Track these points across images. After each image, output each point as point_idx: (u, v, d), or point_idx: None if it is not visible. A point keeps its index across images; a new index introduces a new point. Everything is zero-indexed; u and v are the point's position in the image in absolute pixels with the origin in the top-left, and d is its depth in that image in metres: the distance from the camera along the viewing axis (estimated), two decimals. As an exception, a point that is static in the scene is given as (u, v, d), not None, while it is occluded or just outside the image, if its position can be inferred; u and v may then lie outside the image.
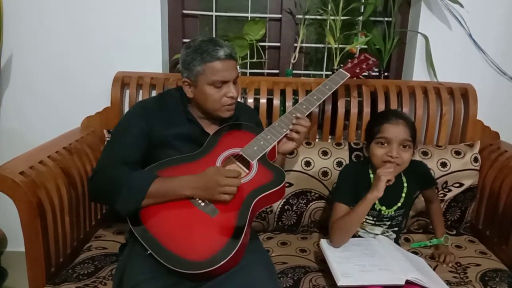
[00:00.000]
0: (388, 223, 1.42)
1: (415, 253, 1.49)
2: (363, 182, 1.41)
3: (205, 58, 1.22)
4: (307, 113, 1.40)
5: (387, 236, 1.42)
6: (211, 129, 1.35)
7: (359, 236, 1.42)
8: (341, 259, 1.26)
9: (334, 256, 1.27)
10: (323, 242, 1.35)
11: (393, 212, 1.40)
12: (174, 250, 1.08)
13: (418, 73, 1.87)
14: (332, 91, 1.50)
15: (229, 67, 1.24)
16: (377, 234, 1.41)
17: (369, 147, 1.38)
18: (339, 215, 1.35)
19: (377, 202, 1.36)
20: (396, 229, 1.44)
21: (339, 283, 1.16)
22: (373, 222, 1.41)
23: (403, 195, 1.41)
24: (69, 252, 1.37)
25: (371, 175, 1.41)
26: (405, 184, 1.42)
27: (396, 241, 1.46)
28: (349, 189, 1.41)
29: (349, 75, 1.54)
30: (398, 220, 1.43)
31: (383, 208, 1.39)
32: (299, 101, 1.45)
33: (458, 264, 1.43)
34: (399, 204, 1.40)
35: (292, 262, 1.42)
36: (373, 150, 1.36)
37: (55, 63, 1.84)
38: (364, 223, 1.41)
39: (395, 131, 1.32)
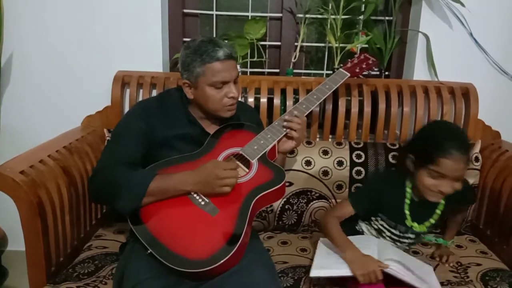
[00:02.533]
0: (413, 240, 1.35)
1: (416, 252, 1.48)
2: (394, 195, 1.32)
3: (204, 59, 1.22)
4: (307, 113, 1.40)
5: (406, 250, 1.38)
6: (211, 129, 1.35)
7: None
8: (325, 254, 1.28)
9: (321, 251, 1.30)
10: (321, 240, 1.36)
11: (425, 229, 1.33)
12: (175, 249, 1.08)
13: (419, 73, 1.87)
14: (332, 90, 1.49)
15: (229, 67, 1.24)
16: None
17: (416, 167, 1.25)
18: (341, 211, 1.33)
19: (408, 218, 1.31)
20: (414, 245, 1.40)
21: (310, 275, 1.21)
22: (397, 238, 1.35)
23: (438, 211, 1.33)
24: (69, 251, 1.37)
25: (408, 190, 1.32)
26: (442, 201, 1.32)
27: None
28: (366, 198, 1.35)
29: (349, 74, 1.54)
30: (421, 237, 1.37)
31: (415, 224, 1.31)
32: (299, 101, 1.45)
33: (459, 264, 1.42)
34: (432, 221, 1.32)
35: (293, 261, 1.41)
36: (422, 178, 1.23)
37: (56, 62, 1.84)
38: (385, 238, 1.36)
39: (454, 168, 1.18)
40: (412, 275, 1.16)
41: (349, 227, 1.38)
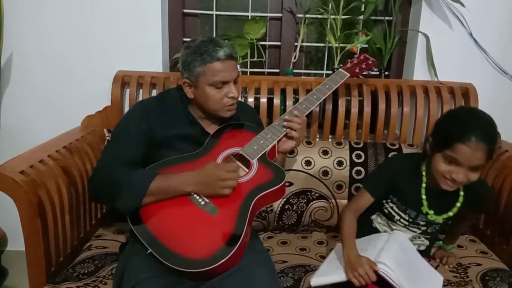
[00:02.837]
0: (423, 229, 1.31)
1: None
2: (410, 179, 1.27)
3: (205, 59, 1.22)
4: (307, 113, 1.40)
5: (419, 243, 1.34)
6: (211, 129, 1.35)
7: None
8: (332, 260, 1.27)
9: (330, 258, 1.29)
10: (335, 248, 1.34)
11: (441, 220, 1.28)
12: (175, 249, 1.08)
13: (419, 73, 1.87)
14: (332, 90, 1.49)
15: (229, 68, 1.24)
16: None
17: (433, 151, 1.19)
18: (358, 203, 1.31)
19: (425, 204, 1.25)
20: (429, 236, 1.34)
21: (311, 284, 1.20)
22: (406, 223, 1.31)
23: (458, 204, 1.27)
24: (69, 251, 1.37)
25: (424, 173, 1.26)
26: (462, 193, 1.27)
27: (429, 249, 1.39)
28: (383, 181, 1.30)
29: (348, 74, 1.54)
30: (433, 228, 1.32)
31: (431, 212, 1.26)
32: (299, 101, 1.45)
33: (459, 264, 1.42)
34: (450, 214, 1.27)
35: (292, 260, 1.41)
36: (437, 162, 1.16)
37: (56, 62, 1.84)
38: (396, 223, 1.33)
39: (470, 156, 1.10)
40: (404, 281, 1.11)
41: (366, 225, 1.37)
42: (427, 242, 1.36)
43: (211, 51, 1.21)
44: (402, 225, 1.33)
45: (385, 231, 1.36)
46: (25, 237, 1.20)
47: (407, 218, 1.31)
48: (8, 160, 1.25)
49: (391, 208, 1.33)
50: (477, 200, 1.30)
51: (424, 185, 1.27)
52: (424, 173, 1.27)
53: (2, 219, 1.96)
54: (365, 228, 1.36)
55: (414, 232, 1.33)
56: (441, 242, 1.44)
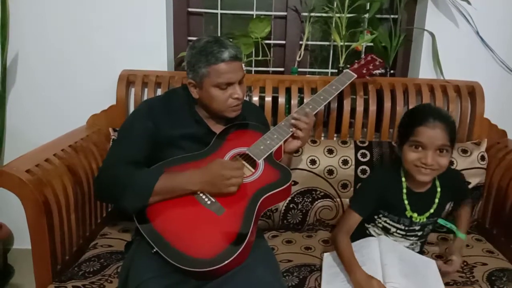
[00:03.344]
0: (420, 233, 1.34)
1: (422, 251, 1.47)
2: (393, 189, 1.31)
3: (210, 60, 1.21)
4: (314, 113, 1.39)
5: (413, 248, 1.36)
6: (217, 128, 1.35)
7: None
8: (332, 277, 1.26)
9: (327, 274, 1.28)
10: (325, 256, 1.35)
11: (425, 220, 1.31)
12: (180, 248, 1.08)
13: (425, 71, 1.86)
14: (339, 91, 1.49)
15: (234, 69, 1.23)
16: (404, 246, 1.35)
17: (400, 146, 1.26)
18: (348, 224, 1.31)
19: (408, 208, 1.30)
20: (423, 240, 1.38)
21: None
22: (403, 233, 1.33)
23: (436, 200, 1.32)
24: (75, 249, 1.38)
25: (403, 179, 1.31)
26: (438, 189, 1.32)
27: (419, 252, 1.39)
28: (369, 199, 1.32)
29: (355, 75, 1.54)
30: (428, 229, 1.35)
31: (415, 215, 1.30)
32: (306, 101, 1.44)
33: (465, 264, 1.41)
34: (431, 211, 1.31)
35: (297, 260, 1.41)
36: (406, 153, 1.23)
37: (61, 62, 1.84)
38: (393, 235, 1.34)
39: (431, 135, 1.17)
40: None
41: (360, 233, 1.36)
42: (420, 244, 1.38)
43: (216, 52, 1.21)
44: (400, 235, 1.34)
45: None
46: (31, 236, 1.20)
47: (402, 227, 1.33)
48: (14, 159, 1.26)
49: (385, 222, 1.35)
50: (453, 191, 1.36)
51: (404, 190, 1.31)
52: (403, 179, 1.32)
53: (9, 218, 1.98)
54: (359, 237, 1.35)
55: (411, 240, 1.35)
56: (454, 226, 1.39)
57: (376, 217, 1.36)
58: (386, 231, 1.36)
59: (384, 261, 1.22)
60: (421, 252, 1.41)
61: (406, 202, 1.31)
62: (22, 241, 1.99)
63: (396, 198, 1.30)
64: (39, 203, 1.18)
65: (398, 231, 1.33)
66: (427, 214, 1.32)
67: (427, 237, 1.42)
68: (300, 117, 1.33)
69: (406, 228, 1.33)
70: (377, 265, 1.21)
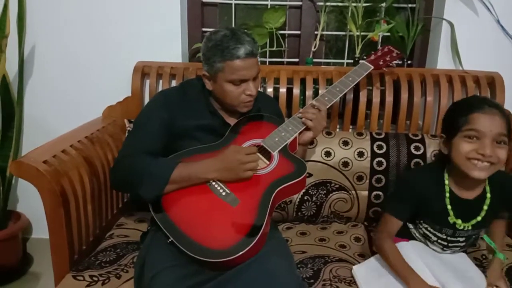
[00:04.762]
0: (462, 244, 1.23)
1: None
2: (433, 194, 1.19)
3: (225, 56, 1.20)
4: (329, 105, 1.38)
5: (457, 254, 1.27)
6: (232, 120, 1.35)
7: None
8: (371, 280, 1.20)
9: (364, 280, 1.21)
10: (356, 270, 1.26)
11: (470, 227, 1.19)
12: (196, 238, 1.08)
13: (443, 61, 1.82)
14: (355, 83, 1.47)
15: (249, 66, 1.22)
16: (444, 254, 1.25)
17: (450, 142, 1.14)
18: (389, 228, 1.22)
19: (451, 214, 1.18)
20: (465, 249, 1.27)
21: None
22: (445, 243, 1.22)
23: (485, 207, 1.18)
24: (91, 239, 1.40)
25: (446, 182, 1.19)
26: (488, 195, 1.19)
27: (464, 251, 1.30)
28: (407, 202, 1.22)
29: (372, 67, 1.52)
30: (471, 241, 1.24)
31: (459, 221, 1.18)
32: (321, 93, 1.43)
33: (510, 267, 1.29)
34: (478, 218, 1.18)
35: (311, 251, 1.41)
36: (458, 145, 1.11)
37: (76, 54, 1.86)
38: (434, 244, 1.25)
39: (489, 122, 1.06)
40: None
41: (404, 234, 1.29)
42: (464, 251, 1.29)
43: (231, 48, 1.19)
44: (441, 246, 1.25)
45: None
46: (49, 226, 1.22)
47: (444, 237, 1.22)
48: (32, 150, 1.27)
49: (426, 229, 1.26)
50: (506, 198, 1.21)
51: (448, 194, 1.20)
52: (446, 182, 1.20)
53: (27, 208, 2.02)
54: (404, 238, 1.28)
55: (453, 250, 1.26)
56: (500, 253, 1.23)
57: (417, 221, 1.27)
58: (427, 239, 1.27)
59: (431, 267, 1.16)
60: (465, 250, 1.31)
61: (449, 207, 1.19)
62: (41, 230, 2.03)
63: (438, 205, 1.19)
64: (56, 194, 1.19)
65: (440, 240, 1.23)
66: (474, 221, 1.19)
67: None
68: (307, 108, 1.32)
69: (449, 239, 1.22)
70: (425, 271, 1.14)
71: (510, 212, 1.29)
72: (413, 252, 1.21)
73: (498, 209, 1.23)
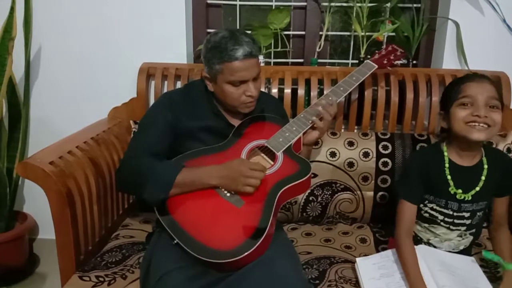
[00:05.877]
0: (468, 222, 1.25)
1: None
2: (434, 165, 1.25)
3: (223, 57, 1.19)
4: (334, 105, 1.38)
5: (464, 242, 1.28)
6: (235, 121, 1.35)
7: (429, 244, 1.29)
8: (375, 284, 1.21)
9: (367, 281, 1.21)
10: (359, 262, 1.27)
11: (470, 198, 1.23)
12: (201, 239, 1.09)
13: (448, 61, 1.81)
14: (359, 82, 1.47)
15: (248, 66, 1.21)
16: (450, 240, 1.27)
17: (448, 115, 1.22)
18: (405, 220, 1.24)
19: (451, 184, 1.24)
20: (473, 230, 1.28)
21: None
22: (451, 220, 1.25)
23: (483, 178, 1.24)
24: (97, 240, 1.40)
25: (445, 153, 1.25)
26: (486, 166, 1.25)
27: (470, 247, 1.32)
28: (415, 181, 1.26)
29: (376, 66, 1.52)
30: (478, 218, 1.26)
31: (459, 191, 1.23)
32: (326, 93, 1.43)
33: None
34: (477, 189, 1.23)
35: (317, 252, 1.41)
36: (455, 113, 1.19)
37: (82, 56, 1.87)
38: (441, 225, 1.27)
39: (480, 89, 1.17)
40: None
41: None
42: (471, 238, 1.30)
43: (229, 50, 1.18)
44: (446, 225, 1.27)
45: (428, 240, 1.30)
46: (55, 226, 1.23)
47: (451, 213, 1.25)
48: (38, 151, 1.28)
49: (431, 208, 1.28)
50: (502, 172, 1.26)
51: (447, 164, 1.25)
52: (445, 153, 1.26)
53: (33, 208, 2.03)
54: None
55: (459, 230, 1.27)
56: (501, 260, 1.22)
57: (422, 206, 1.29)
58: (432, 221, 1.28)
59: (437, 278, 1.16)
60: (470, 247, 1.32)
61: (449, 177, 1.24)
62: (47, 231, 2.05)
63: (439, 175, 1.24)
64: (62, 194, 1.20)
65: (446, 218, 1.26)
66: (473, 192, 1.24)
67: (479, 232, 1.32)
68: (327, 107, 1.31)
69: (455, 214, 1.25)
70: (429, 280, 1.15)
71: (501, 193, 1.31)
72: (424, 264, 1.19)
73: (495, 183, 1.27)
